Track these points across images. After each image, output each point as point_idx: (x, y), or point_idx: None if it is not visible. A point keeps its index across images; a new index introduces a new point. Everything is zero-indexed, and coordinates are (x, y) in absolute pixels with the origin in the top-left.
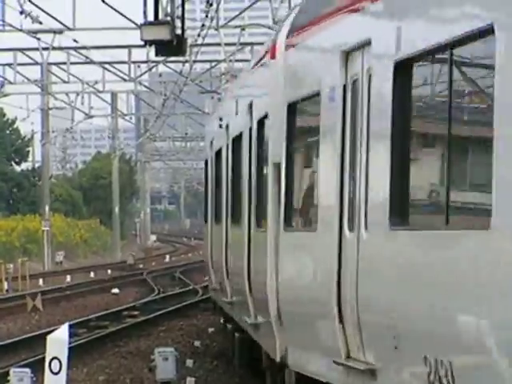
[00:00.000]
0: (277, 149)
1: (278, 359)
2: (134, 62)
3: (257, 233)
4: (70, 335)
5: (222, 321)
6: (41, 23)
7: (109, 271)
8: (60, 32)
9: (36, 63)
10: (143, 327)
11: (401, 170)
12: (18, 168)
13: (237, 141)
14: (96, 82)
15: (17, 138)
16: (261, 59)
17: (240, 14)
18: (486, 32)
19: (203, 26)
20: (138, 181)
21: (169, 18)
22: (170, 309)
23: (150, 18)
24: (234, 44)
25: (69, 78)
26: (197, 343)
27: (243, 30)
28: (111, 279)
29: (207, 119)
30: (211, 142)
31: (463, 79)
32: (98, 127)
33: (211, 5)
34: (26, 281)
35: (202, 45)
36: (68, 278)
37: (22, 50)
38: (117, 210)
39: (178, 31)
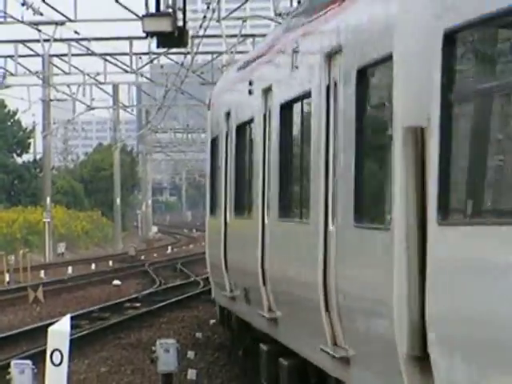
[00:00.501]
0: None
1: None
2: (135, 54)
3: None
4: (72, 327)
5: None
6: (42, 15)
7: (110, 263)
8: (61, 24)
9: (37, 55)
10: (145, 319)
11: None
12: (19, 160)
13: (287, 109)
14: (97, 74)
15: (18, 129)
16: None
17: (241, 5)
18: None
19: (205, 17)
20: (140, 172)
21: (170, 10)
22: (171, 300)
23: (152, 9)
24: (235, 36)
25: (70, 70)
26: (198, 335)
27: (245, 21)
28: (113, 271)
29: (219, 85)
30: (227, 114)
31: None
32: (100, 119)
33: None
34: (27, 272)
35: (203, 36)
36: (69, 269)
37: (23, 41)
38: (118, 201)
39: (180, 23)
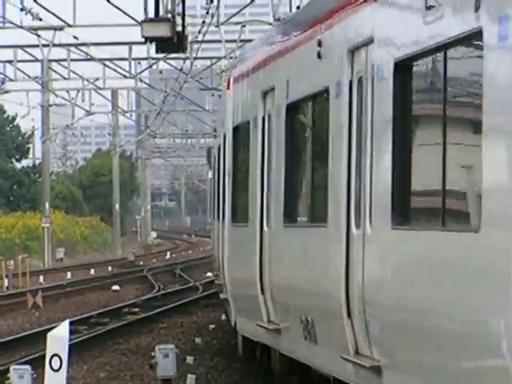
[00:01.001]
0: None
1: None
2: (134, 59)
3: None
4: (71, 332)
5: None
6: (41, 20)
7: (109, 268)
8: (60, 29)
9: (36, 60)
10: (144, 324)
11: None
12: (18, 165)
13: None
14: (96, 79)
15: (17, 134)
16: None
17: (240, 10)
18: None
19: (204, 22)
20: (139, 178)
21: (169, 15)
22: (170, 306)
23: (151, 14)
24: (234, 41)
25: (69, 75)
26: (197, 340)
27: (244, 26)
28: (112, 276)
29: (245, 60)
30: (264, 94)
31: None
32: (99, 124)
33: (212, 1)
34: (26, 278)
35: (202, 41)
36: (68, 274)
37: (22, 46)
38: (117, 206)
39: (179, 28)
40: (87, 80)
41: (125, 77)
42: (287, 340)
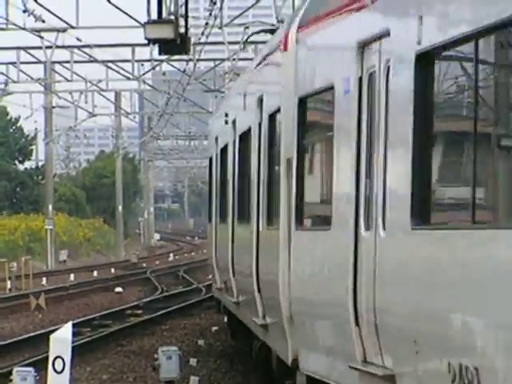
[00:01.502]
0: None
1: (289, 362)
2: (137, 61)
3: None
4: (74, 334)
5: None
6: (44, 22)
7: (112, 270)
8: (63, 30)
9: (39, 62)
10: (147, 326)
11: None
12: (21, 167)
13: None
14: (99, 81)
15: (20, 136)
16: None
17: (244, 12)
18: None
19: (207, 24)
20: (142, 180)
21: (172, 17)
22: (173, 308)
23: (154, 16)
24: (237, 42)
25: (72, 77)
26: (200, 342)
27: (247, 28)
28: (114, 278)
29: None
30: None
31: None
32: (102, 126)
33: (215, 3)
34: (29, 280)
35: (205, 43)
36: (71, 276)
37: (25, 48)
38: (120, 208)
39: (182, 30)
40: (90, 82)
41: (128, 78)
42: None
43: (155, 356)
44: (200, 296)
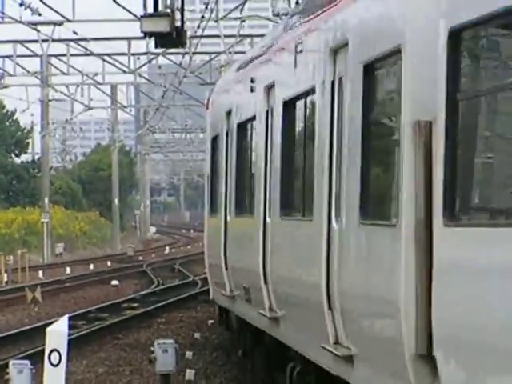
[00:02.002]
0: None
1: None
2: (133, 54)
3: None
4: (70, 327)
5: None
6: (40, 15)
7: (108, 263)
8: (60, 24)
9: (36, 55)
10: (143, 319)
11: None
12: (17, 160)
13: None
14: (96, 74)
15: (16, 129)
16: None
17: (239, 5)
18: None
19: (203, 17)
20: (138, 173)
21: (168, 10)
22: (169, 301)
23: (150, 9)
24: (233, 36)
25: (68, 70)
26: (196, 335)
27: (243, 21)
28: (111, 271)
29: None
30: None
31: None
32: (98, 119)
33: None
34: (25, 273)
35: (201, 36)
36: (68, 269)
37: (21, 41)
38: (116, 201)
39: (178, 23)
40: (86, 75)
41: (124, 72)
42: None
43: (151, 349)
44: (196, 289)
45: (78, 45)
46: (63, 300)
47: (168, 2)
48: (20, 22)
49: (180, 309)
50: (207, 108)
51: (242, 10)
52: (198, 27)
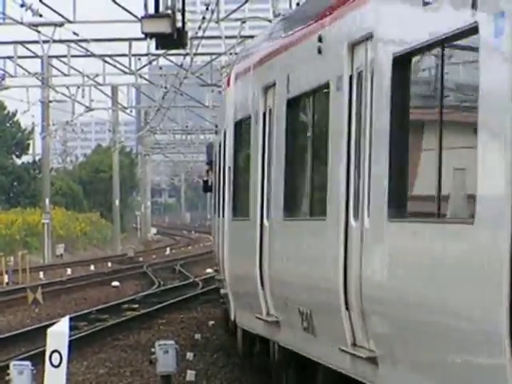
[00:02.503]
0: None
1: None
2: (134, 55)
3: None
4: (71, 328)
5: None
6: (41, 16)
7: (109, 264)
8: (60, 25)
9: (36, 56)
10: (143, 320)
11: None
12: (18, 161)
13: None
14: (96, 75)
15: (17, 130)
16: None
17: (240, 6)
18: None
19: (204, 18)
20: (139, 174)
21: (169, 11)
22: (170, 302)
23: (151, 10)
24: (234, 37)
25: (69, 71)
26: (197, 336)
27: (244, 22)
28: (111, 272)
29: None
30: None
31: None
32: (99, 120)
33: None
34: (26, 274)
35: (202, 38)
36: (68, 270)
37: (22, 42)
38: (117, 203)
39: (179, 24)
40: (87, 76)
41: (125, 73)
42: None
43: (152, 350)
44: (197, 290)
45: (79, 46)
46: (64, 301)
47: (169, 3)
48: (21, 23)
49: (181, 310)
50: (228, 85)
51: (244, 4)
52: (199, 28)
